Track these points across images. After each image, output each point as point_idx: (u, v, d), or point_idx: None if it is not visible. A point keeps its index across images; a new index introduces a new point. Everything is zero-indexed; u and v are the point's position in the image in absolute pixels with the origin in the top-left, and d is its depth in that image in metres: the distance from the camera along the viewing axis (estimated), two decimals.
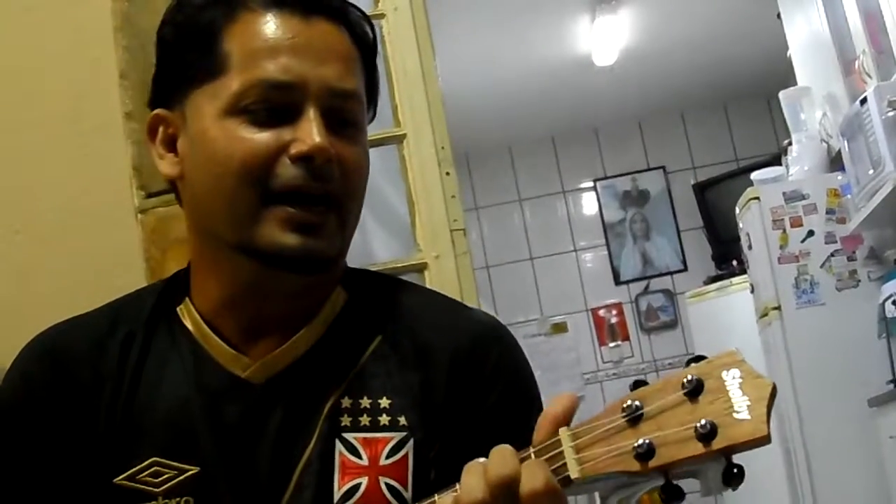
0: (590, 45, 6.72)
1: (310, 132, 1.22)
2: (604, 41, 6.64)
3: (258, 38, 1.25)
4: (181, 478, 1.23)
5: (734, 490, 0.99)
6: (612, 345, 7.98)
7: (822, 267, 5.01)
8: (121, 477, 1.24)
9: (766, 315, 5.17)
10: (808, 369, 4.92)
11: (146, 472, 1.24)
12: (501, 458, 1.01)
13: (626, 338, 8.00)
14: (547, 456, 1.01)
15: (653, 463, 0.97)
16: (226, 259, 1.28)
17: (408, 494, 1.22)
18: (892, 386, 4.40)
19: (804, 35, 5.49)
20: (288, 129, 1.23)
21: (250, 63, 1.23)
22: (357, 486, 1.23)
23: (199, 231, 1.31)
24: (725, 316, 6.03)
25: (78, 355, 1.31)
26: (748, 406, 0.95)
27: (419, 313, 1.34)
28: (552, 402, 1.04)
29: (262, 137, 1.22)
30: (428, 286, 2.28)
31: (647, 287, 8.11)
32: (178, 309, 1.34)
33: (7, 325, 1.94)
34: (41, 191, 2.07)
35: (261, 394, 1.27)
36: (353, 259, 2.41)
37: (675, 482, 1.00)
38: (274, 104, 1.23)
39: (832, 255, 5.01)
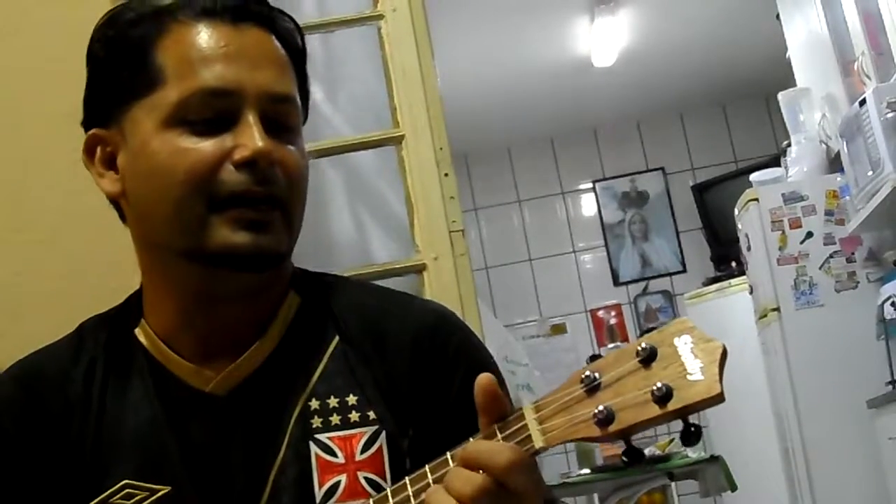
0: (589, 47, 6.72)
1: (251, 137, 1.22)
2: (603, 42, 6.64)
3: (191, 48, 1.25)
4: (153, 498, 1.24)
5: (693, 445, 1.02)
6: (611, 346, 7.96)
7: (821, 268, 5.02)
8: (94, 501, 1.25)
9: (765, 316, 5.18)
10: (807, 370, 4.93)
11: (118, 495, 1.24)
12: (460, 478, 1.04)
13: (626, 339, 8.00)
14: (511, 430, 1.06)
15: (612, 427, 1.01)
16: (175, 269, 1.28)
17: (387, 485, 1.23)
18: (890, 387, 4.40)
19: (803, 36, 5.50)
20: (228, 135, 1.23)
21: (186, 73, 1.24)
22: (337, 484, 1.24)
23: (146, 245, 1.32)
24: (724, 317, 6.03)
25: (47, 384, 1.32)
26: (701, 368, 0.99)
27: (372, 307, 1.36)
28: (475, 393, 1.08)
29: (204, 146, 1.22)
30: (427, 288, 2.29)
31: (645, 288, 8.11)
32: (135, 331, 1.34)
33: (6, 325, 1.95)
34: (41, 191, 2.07)
35: (226, 406, 1.28)
36: (353, 260, 2.43)
37: (635, 445, 1.04)
38: (212, 112, 1.23)
39: (831, 256, 5.02)
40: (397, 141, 2.38)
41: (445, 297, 2.18)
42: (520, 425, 1.06)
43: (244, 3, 1.29)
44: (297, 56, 1.34)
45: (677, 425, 1.02)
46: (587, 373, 1.04)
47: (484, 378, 1.08)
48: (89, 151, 1.33)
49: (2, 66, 2.10)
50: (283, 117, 1.28)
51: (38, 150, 2.08)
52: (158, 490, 1.24)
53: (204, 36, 1.26)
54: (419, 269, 2.32)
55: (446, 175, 2.35)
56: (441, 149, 2.36)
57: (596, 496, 4.87)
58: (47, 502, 1.27)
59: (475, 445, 1.06)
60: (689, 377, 0.99)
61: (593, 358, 1.06)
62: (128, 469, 1.25)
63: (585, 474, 4.56)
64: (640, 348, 1.02)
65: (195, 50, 1.25)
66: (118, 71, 1.28)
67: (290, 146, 1.28)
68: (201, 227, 1.23)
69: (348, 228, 2.49)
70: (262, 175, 1.23)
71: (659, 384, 0.99)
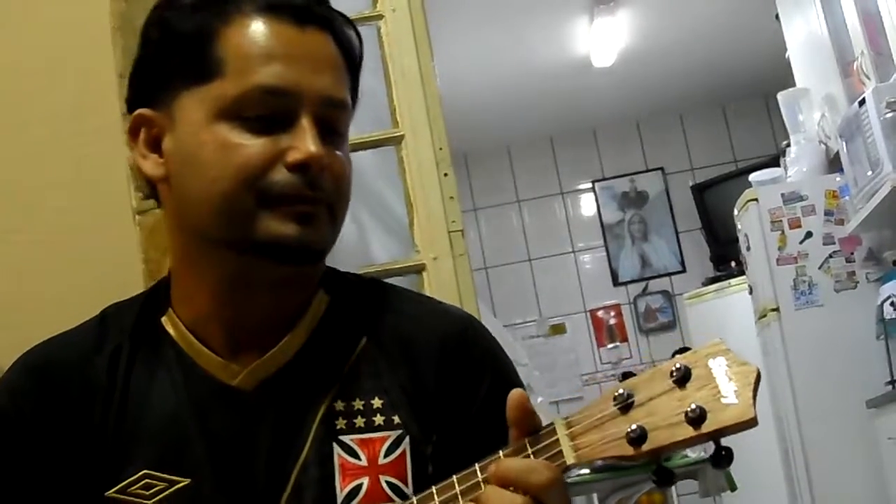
0: (588, 47, 6.72)
1: (305, 140, 1.23)
2: (602, 42, 6.64)
3: (254, 44, 1.25)
4: (172, 490, 1.24)
5: (724, 468, 1.02)
6: (610, 346, 7.98)
7: (820, 268, 5.01)
8: (112, 490, 1.24)
9: (764, 316, 5.18)
10: (806, 371, 4.93)
11: (137, 485, 1.24)
12: (497, 498, 1.04)
13: (625, 339, 8.00)
14: (542, 444, 1.05)
15: (646, 447, 1.01)
16: (213, 255, 1.28)
17: (409, 490, 1.24)
18: (890, 387, 4.41)
19: (802, 36, 5.50)
20: (282, 136, 1.23)
21: (246, 68, 1.24)
22: (359, 487, 1.24)
23: (184, 231, 1.31)
24: (724, 317, 6.04)
25: (67, 370, 1.31)
26: (735, 391, 0.99)
27: (400, 310, 1.37)
28: (508, 408, 1.07)
29: (258, 144, 1.23)
30: (426, 287, 2.29)
31: (645, 288, 8.11)
32: (161, 319, 1.34)
33: (5, 325, 1.94)
34: (40, 191, 2.07)
35: (251, 401, 1.28)
36: (353, 259, 2.42)
37: (666, 465, 1.04)
38: (268, 110, 1.23)
39: (830, 256, 5.02)
40: (397, 141, 2.38)
41: (445, 298, 2.18)
42: (551, 440, 1.05)
43: (309, 4, 1.29)
44: (353, 60, 1.34)
45: None
46: (620, 390, 1.04)
47: (516, 394, 1.07)
48: (134, 131, 1.32)
49: (2, 65, 2.10)
50: (336, 122, 1.28)
51: (38, 150, 2.08)
52: (178, 482, 1.24)
53: (267, 33, 1.25)
54: (419, 269, 2.32)
55: (446, 175, 2.35)
56: (440, 149, 2.36)
57: (595, 496, 4.87)
58: (67, 489, 1.27)
59: (510, 462, 1.05)
60: (723, 400, 0.99)
61: (626, 375, 1.05)
62: (148, 459, 1.25)
63: (585, 474, 4.56)
64: (674, 368, 1.02)
65: (257, 46, 1.25)
66: (174, 55, 1.27)
67: (338, 152, 1.28)
68: (249, 220, 1.23)
69: (348, 228, 2.47)
70: (313, 179, 1.23)
71: (693, 405, 0.99)
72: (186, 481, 1.24)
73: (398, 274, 2.32)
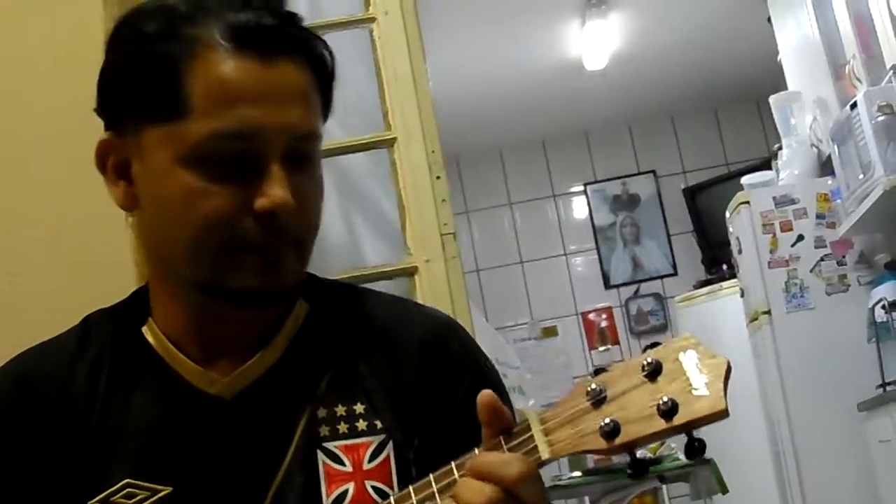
0: (580, 50, 6.72)
1: (273, 187, 1.19)
2: (594, 45, 6.64)
3: (219, 83, 1.19)
4: (154, 498, 1.23)
5: (696, 459, 1.04)
6: (601, 349, 7.97)
7: (811, 271, 5.02)
8: (94, 500, 1.24)
9: (756, 319, 5.19)
10: (797, 374, 4.94)
11: (119, 494, 1.24)
12: (471, 489, 1.05)
13: (616, 342, 8.00)
14: (517, 441, 1.07)
15: (619, 440, 1.02)
16: (183, 288, 1.27)
17: (394, 494, 1.23)
18: (881, 390, 4.42)
19: (794, 39, 5.51)
20: (249, 182, 1.20)
21: (211, 110, 1.19)
22: (345, 493, 1.24)
23: (157, 263, 1.31)
24: (715, 320, 6.04)
25: (47, 379, 1.31)
26: (706, 383, 1.01)
27: (379, 314, 1.36)
28: (478, 410, 1.08)
29: (225, 193, 1.19)
30: (418, 290, 2.29)
31: (637, 291, 8.11)
32: (142, 329, 1.33)
33: (3, 325, 1.94)
34: (34, 192, 2.06)
35: (231, 409, 1.27)
36: (344, 263, 2.43)
37: (640, 457, 1.05)
38: (234, 154, 1.19)
39: (822, 259, 5.03)
40: (389, 143, 2.38)
41: (437, 300, 2.19)
42: (526, 436, 1.06)
43: (277, 26, 1.23)
44: (327, 79, 1.28)
45: None
46: (593, 385, 1.05)
47: (485, 395, 1.08)
48: (101, 157, 1.29)
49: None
50: (305, 152, 1.24)
51: (35, 149, 2.08)
52: (160, 490, 1.24)
53: (233, 72, 1.19)
54: (411, 272, 2.32)
55: (438, 177, 2.36)
56: (433, 151, 2.37)
57: (587, 499, 4.88)
58: (48, 499, 1.26)
59: (485, 457, 1.06)
60: (694, 392, 1.00)
61: (598, 371, 1.06)
62: (130, 468, 1.25)
63: (576, 477, 4.57)
64: (645, 363, 1.03)
65: (223, 86, 1.19)
66: (139, 87, 1.23)
67: (308, 179, 1.25)
68: (215, 267, 1.21)
69: (340, 231, 2.49)
70: (282, 225, 1.20)
71: (665, 398, 1.00)
72: (168, 490, 1.23)
73: (390, 277, 2.33)
